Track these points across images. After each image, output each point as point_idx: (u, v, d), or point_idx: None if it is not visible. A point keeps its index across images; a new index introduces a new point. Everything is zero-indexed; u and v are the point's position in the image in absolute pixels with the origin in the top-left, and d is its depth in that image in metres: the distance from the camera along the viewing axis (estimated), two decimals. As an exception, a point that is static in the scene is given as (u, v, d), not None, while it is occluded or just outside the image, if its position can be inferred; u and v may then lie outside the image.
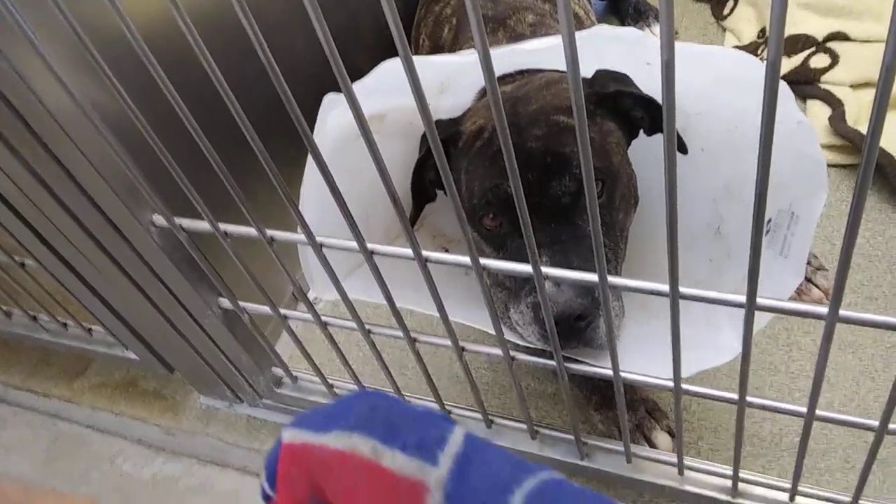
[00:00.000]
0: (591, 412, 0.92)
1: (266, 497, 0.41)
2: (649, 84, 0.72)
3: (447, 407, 0.83)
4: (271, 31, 0.99)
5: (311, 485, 0.38)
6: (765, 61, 0.34)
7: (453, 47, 1.13)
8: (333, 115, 0.66)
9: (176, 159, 0.57)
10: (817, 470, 0.86)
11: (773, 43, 0.32)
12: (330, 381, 0.86)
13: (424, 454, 0.35)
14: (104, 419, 1.11)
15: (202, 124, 0.53)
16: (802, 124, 0.60)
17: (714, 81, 0.65)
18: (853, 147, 1.23)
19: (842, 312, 0.46)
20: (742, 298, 0.48)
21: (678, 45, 0.68)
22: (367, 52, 1.23)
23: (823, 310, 0.46)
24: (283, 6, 1.00)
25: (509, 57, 0.75)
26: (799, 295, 0.99)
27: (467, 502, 0.34)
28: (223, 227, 0.64)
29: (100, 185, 0.65)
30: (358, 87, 0.63)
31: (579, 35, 0.70)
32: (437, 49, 1.20)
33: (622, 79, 0.71)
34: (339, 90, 0.70)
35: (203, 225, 0.64)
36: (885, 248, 1.08)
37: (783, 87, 0.60)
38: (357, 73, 0.67)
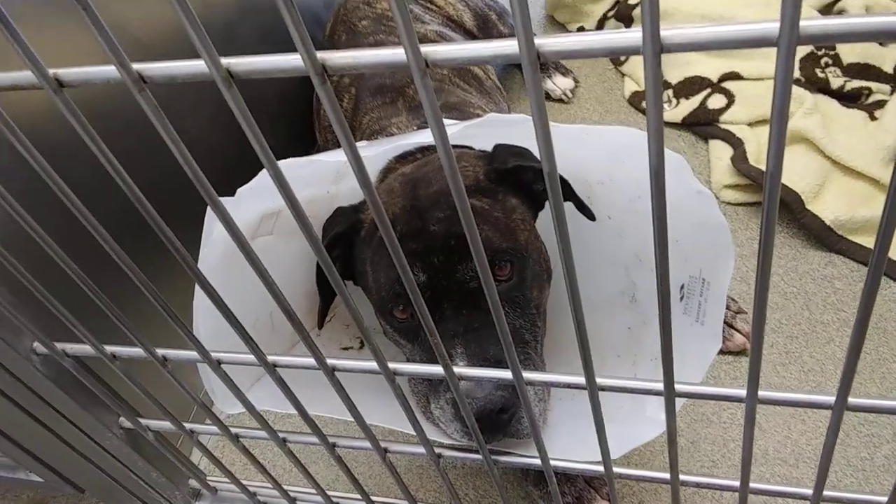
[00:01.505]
0: (530, 487, 0.89)
1: None
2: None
3: (376, 502, 0.78)
4: (155, 136, 0.95)
5: None
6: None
7: (353, 119, 1.11)
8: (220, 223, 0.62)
9: (50, 280, 0.52)
10: (760, 522, 0.85)
11: (651, 116, 0.30)
12: (252, 489, 0.80)
13: None
14: (11, 548, 1.02)
15: (75, 241, 0.49)
16: (702, 194, 0.60)
17: (610, 153, 0.64)
18: (757, 186, 1.26)
19: (761, 394, 0.44)
20: (660, 386, 0.46)
21: (570, 127, 0.67)
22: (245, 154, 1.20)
23: (742, 392, 0.45)
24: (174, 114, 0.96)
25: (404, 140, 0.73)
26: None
27: None
28: (110, 349, 0.59)
29: (-32, 316, 0.59)
30: (243, 191, 0.60)
31: (467, 125, 0.69)
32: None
33: (522, 153, 0.70)
34: (232, 188, 0.68)
35: (88, 349, 0.59)
36: (799, 285, 1.10)
37: (677, 160, 0.59)
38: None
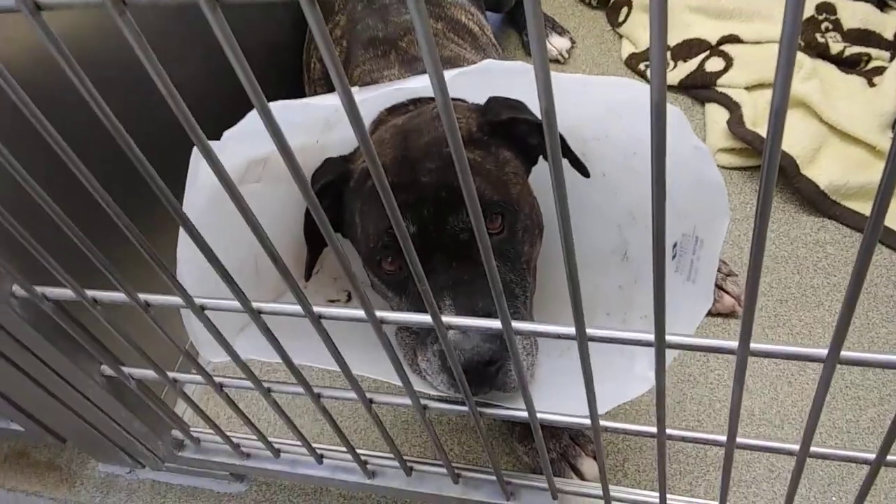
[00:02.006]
0: (514, 443, 0.89)
1: None
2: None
3: (364, 457, 0.78)
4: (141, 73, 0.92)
5: None
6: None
7: (345, 71, 1.08)
8: (206, 165, 0.60)
9: (30, 221, 0.51)
10: (743, 482, 0.85)
11: (655, 66, 0.29)
12: (236, 441, 0.80)
13: None
14: (-7, 497, 1.01)
15: (57, 185, 0.47)
16: (699, 149, 0.59)
17: (609, 108, 0.63)
18: (753, 150, 1.24)
19: (752, 346, 0.44)
20: (651, 337, 0.45)
21: (569, 76, 0.66)
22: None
23: (733, 344, 0.44)
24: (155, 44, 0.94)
25: (398, 91, 0.72)
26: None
27: None
28: (91, 293, 0.57)
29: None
30: (230, 134, 0.58)
31: (468, 71, 0.67)
32: (327, 72, 1.15)
33: (516, 106, 0.68)
34: (216, 137, 0.66)
35: (68, 293, 0.57)
36: (790, 249, 1.10)
37: (676, 114, 0.58)
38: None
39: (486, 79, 0.66)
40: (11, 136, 0.43)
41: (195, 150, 0.60)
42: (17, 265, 0.57)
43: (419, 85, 0.64)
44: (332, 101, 0.65)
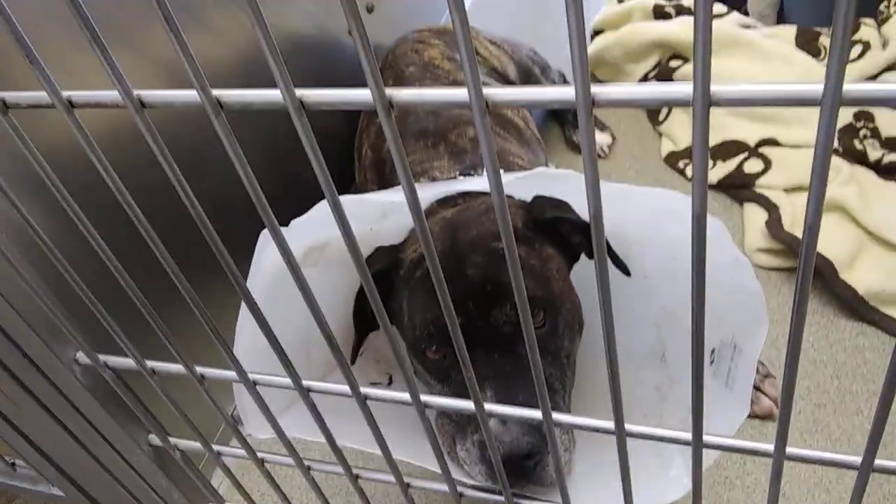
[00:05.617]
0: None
1: None
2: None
3: (395, 541, 0.78)
4: (209, 163, 0.98)
5: None
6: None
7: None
8: (270, 250, 0.64)
9: (98, 292, 0.55)
10: (781, 591, 0.83)
11: (698, 182, 0.32)
12: (270, 517, 0.81)
13: None
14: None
15: (129, 254, 0.51)
16: (739, 261, 0.61)
17: (651, 213, 0.66)
18: (791, 251, 1.26)
19: (789, 450, 0.44)
20: (688, 436, 0.46)
21: (615, 186, 0.69)
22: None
23: (769, 447, 0.45)
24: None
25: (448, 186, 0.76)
26: (749, 404, 0.99)
27: None
28: (151, 364, 0.60)
29: (15, 320, 0.61)
30: (298, 222, 0.62)
31: (518, 177, 0.71)
32: (379, 160, 1.20)
33: (561, 205, 0.72)
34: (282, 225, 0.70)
35: (129, 362, 0.61)
36: (829, 353, 1.09)
37: (717, 226, 0.60)
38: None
39: (535, 181, 0.70)
40: (84, 202, 0.47)
41: (263, 233, 0.65)
42: (81, 334, 0.60)
43: (471, 188, 0.67)
44: (387, 197, 0.69)
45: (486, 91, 0.31)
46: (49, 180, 0.46)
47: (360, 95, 0.33)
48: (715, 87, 0.29)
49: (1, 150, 0.49)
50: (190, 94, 0.35)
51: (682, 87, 0.29)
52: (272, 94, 0.34)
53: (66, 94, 0.39)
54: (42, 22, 0.79)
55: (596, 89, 0.30)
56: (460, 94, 0.32)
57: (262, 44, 0.31)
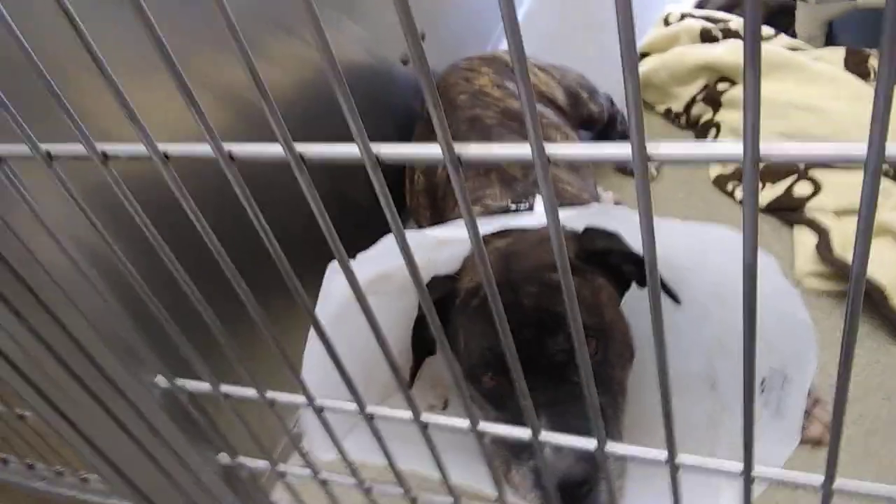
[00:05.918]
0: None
1: None
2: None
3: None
4: (280, 194, 1.03)
5: None
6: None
7: (447, 187, 1.17)
8: (338, 280, 0.68)
9: (177, 319, 0.59)
10: None
11: (748, 207, 0.34)
12: (329, 535, 0.84)
13: None
14: (97, 572, 1.07)
15: (206, 284, 0.55)
16: (790, 293, 0.62)
17: (701, 242, 0.68)
18: (842, 275, 1.25)
19: (836, 484, 0.46)
20: (739, 467, 0.48)
21: (665, 222, 0.71)
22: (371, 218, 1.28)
23: (818, 479, 0.47)
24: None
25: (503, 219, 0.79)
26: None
27: None
28: (224, 388, 0.64)
29: (99, 347, 0.66)
30: (364, 256, 0.66)
31: (573, 215, 0.73)
32: (431, 185, 1.24)
33: (611, 237, 0.74)
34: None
35: (204, 386, 0.65)
36: (880, 378, 1.09)
37: (769, 263, 0.62)
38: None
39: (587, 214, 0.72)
40: (162, 230, 0.50)
41: (331, 264, 0.68)
42: (160, 359, 0.65)
43: (528, 224, 0.70)
44: (444, 233, 0.72)
45: (548, 148, 0.34)
46: (138, 216, 0.50)
47: (432, 150, 0.36)
48: (764, 147, 0.31)
49: (92, 191, 0.53)
50: (276, 149, 0.39)
51: (732, 147, 0.32)
52: (351, 151, 0.37)
53: (161, 147, 0.43)
54: (123, 75, 0.85)
55: (652, 148, 0.33)
56: (524, 150, 0.35)
57: (343, 106, 0.34)
